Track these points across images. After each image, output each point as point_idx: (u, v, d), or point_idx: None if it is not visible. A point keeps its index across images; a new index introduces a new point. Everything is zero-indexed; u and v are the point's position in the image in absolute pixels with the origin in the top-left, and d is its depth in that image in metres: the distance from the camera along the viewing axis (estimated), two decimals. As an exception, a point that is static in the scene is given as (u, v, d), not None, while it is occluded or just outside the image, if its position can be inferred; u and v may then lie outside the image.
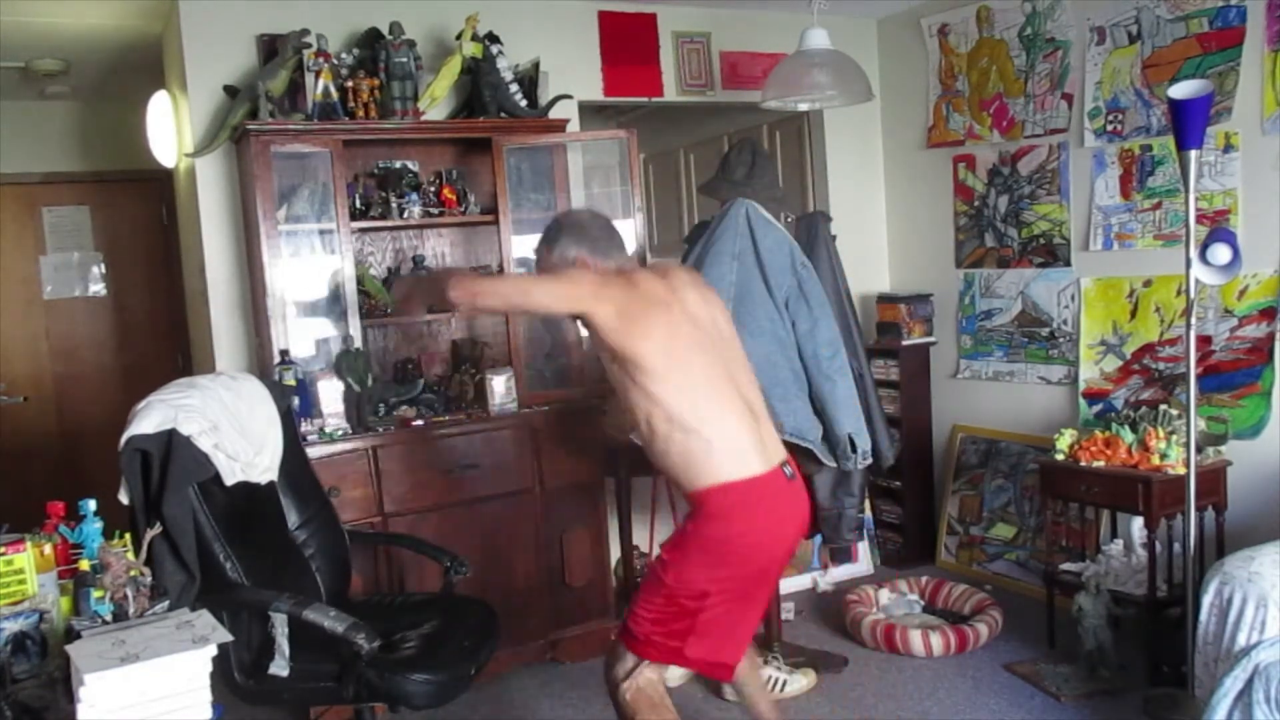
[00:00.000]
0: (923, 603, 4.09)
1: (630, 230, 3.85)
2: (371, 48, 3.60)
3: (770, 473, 2.35)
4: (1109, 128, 3.93)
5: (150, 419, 2.35)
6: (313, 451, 3.16)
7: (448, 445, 3.50)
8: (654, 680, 2.45)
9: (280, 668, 2.32)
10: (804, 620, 4.11)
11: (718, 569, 2.33)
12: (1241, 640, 2.62)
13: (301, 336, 3.54)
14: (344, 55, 3.58)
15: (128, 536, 2.05)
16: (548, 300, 2.47)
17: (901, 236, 4.96)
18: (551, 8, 4.14)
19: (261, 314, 3.43)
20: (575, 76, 4.13)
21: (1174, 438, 3.35)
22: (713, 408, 2.33)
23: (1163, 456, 3.32)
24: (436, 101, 3.68)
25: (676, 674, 3.54)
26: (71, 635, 1.75)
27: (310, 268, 3.55)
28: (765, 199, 3.47)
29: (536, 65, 3.87)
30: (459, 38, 3.62)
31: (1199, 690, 2.78)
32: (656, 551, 2.99)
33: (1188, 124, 2.88)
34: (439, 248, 3.98)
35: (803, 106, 4.24)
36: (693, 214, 5.73)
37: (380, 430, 3.41)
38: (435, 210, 3.70)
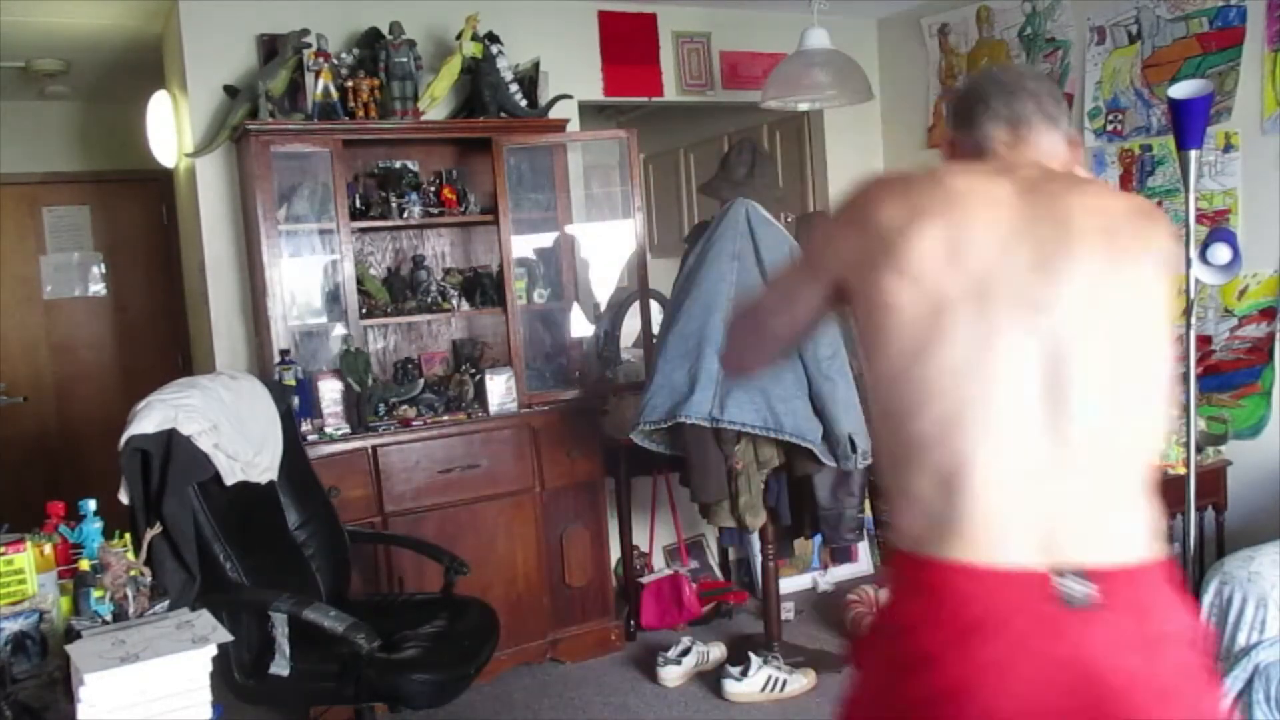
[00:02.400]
0: (923, 603, 4.08)
1: (630, 230, 3.85)
2: (371, 48, 3.60)
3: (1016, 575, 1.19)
4: (1109, 127, 3.93)
5: (150, 419, 2.35)
6: (313, 451, 3.16)
7: (448, 445, 3.50)
8: None
9: (280, 668, 2.32)
10: (804, 620, 4.11)
11: None
12: (1241, 640, 2.62)
13: (302, 336, 3.54)
14: (344, 55, 3.58)
15: (128, 536, 2.05)
16: None
17: (901, 236, 4.95)
18: (551, 8, 4.14)
19: (261, 314, 3.43)
20: (575, 76, 4.13)
21: (1174, 438, 3.35)
22: None
23: (1163, 456, 3.32)
24: (436, 101, 3.68)
25: (675, 674, 3.54)
26: (71, 635, 1.75)
27: (310, 268, 3.55)
28: (765, 199, 3.47)
29: (536, 65, 3.87)
30: (459, 38, 3.62)
31: (1199, 690, 2.78)
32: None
33: (1188, 124, 2.88)
34: (439, 248, 3.98)
35: (803, 106, 4.24)
36: (693, 214, 5.73)
37: (380, 430, 3.41)
38: (435, 210, 3.70)
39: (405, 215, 3.63)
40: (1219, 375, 3.59)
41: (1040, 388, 1.21)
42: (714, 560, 4.57)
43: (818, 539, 3.91)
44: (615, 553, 4.05)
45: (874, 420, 1.39)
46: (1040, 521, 1.18)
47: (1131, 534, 1.22)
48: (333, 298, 3.55)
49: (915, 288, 1.24)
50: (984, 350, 1.22)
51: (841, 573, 4.54)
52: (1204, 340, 3.59)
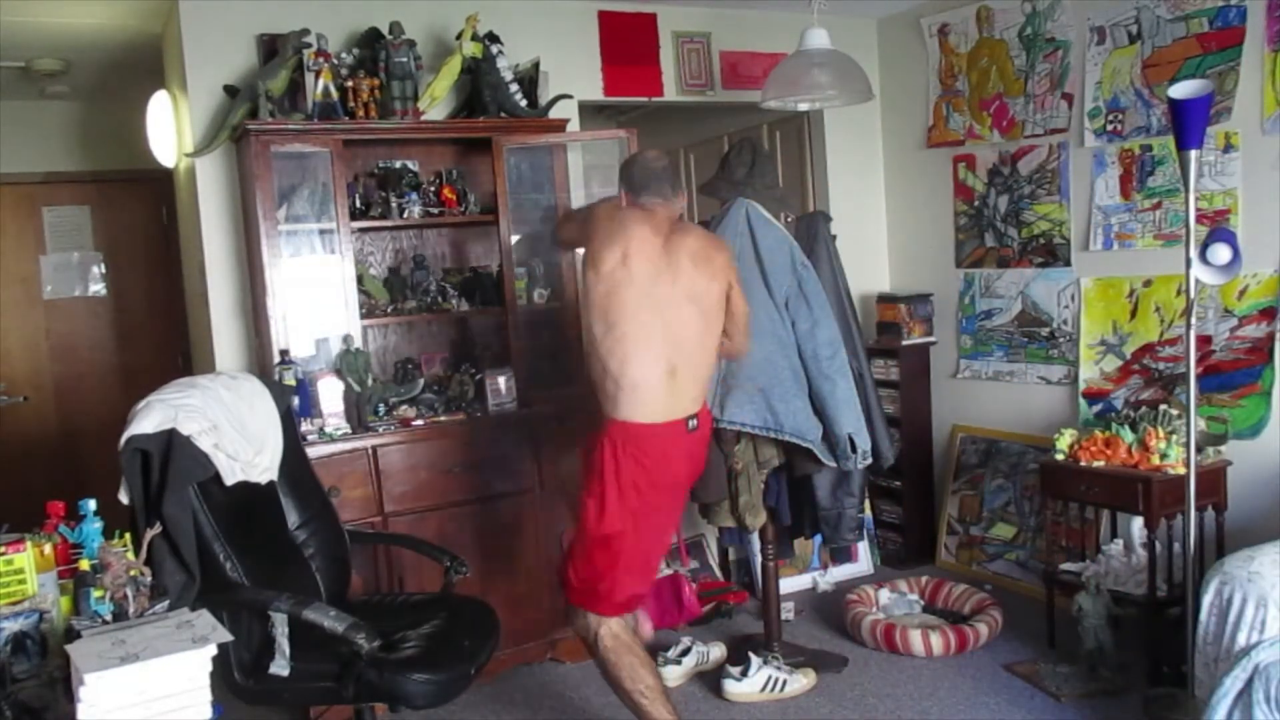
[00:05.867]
0: (923, 602, 4.09)
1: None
2: (371, 47, 3.60)
3: (668, 424, 2.74)
4: (1109, 128, 3.93)
5: (150, 419, 2.35)
6: (313, 451, 3.16)
7: (448, 445, 3.50)
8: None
9: (280, 667, 2.32)
10: (804, 620, 4.11)
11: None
12: (1241, 640, 2.62)
13: (301, 336, 3.54)
14: (344, 55, 3.58)
15: (128, 536, 2.05)
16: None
17: (901, 236, 4.96)
18: (551, 8, 4.14)
19: (261, 314, 3.43)
20: (575, 76, 4.14)
21: (1174, 438, 3.35)
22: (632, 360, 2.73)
23: (1163, 456, 3.32)
24: (436, 101, 3.68)
25: (675, 674, 3.54)
26: (71, 635, 1.75)
27: (310, 268, 3.55)
28: (765, 199, 3.47)
29: (536, 65, 3.87)
30: (459, 38, 3.63)
31: (1199, 690, 2.78)
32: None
33: (1188, 124, 2.88)
34: (439, 247, 3.98)
35: (803, 106, 4.24)
36: (693, 214, 5.72)
37: (380, 430, 3.41)
38: (435, 210, 3.70)
39: (405, 215, 3.63)
40: (1219, 375, 3.59)
41: (660, 335, 2.72)
42: (714, 560, 4.57)
43: (818, 539, 3.91)
44: (615, 553, 4.05)
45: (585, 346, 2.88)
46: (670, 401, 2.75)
47: (698, 400, 2.82)
48: (332, 298, 3.54)
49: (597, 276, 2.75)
50: (634, 314, 2.71)
51: (841, 573, 4.55)
52: (1204, 340, 3.59)
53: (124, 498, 2.35)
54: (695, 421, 2.79)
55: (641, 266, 2.72)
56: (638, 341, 2.70)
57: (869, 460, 3.37)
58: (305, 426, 3.28)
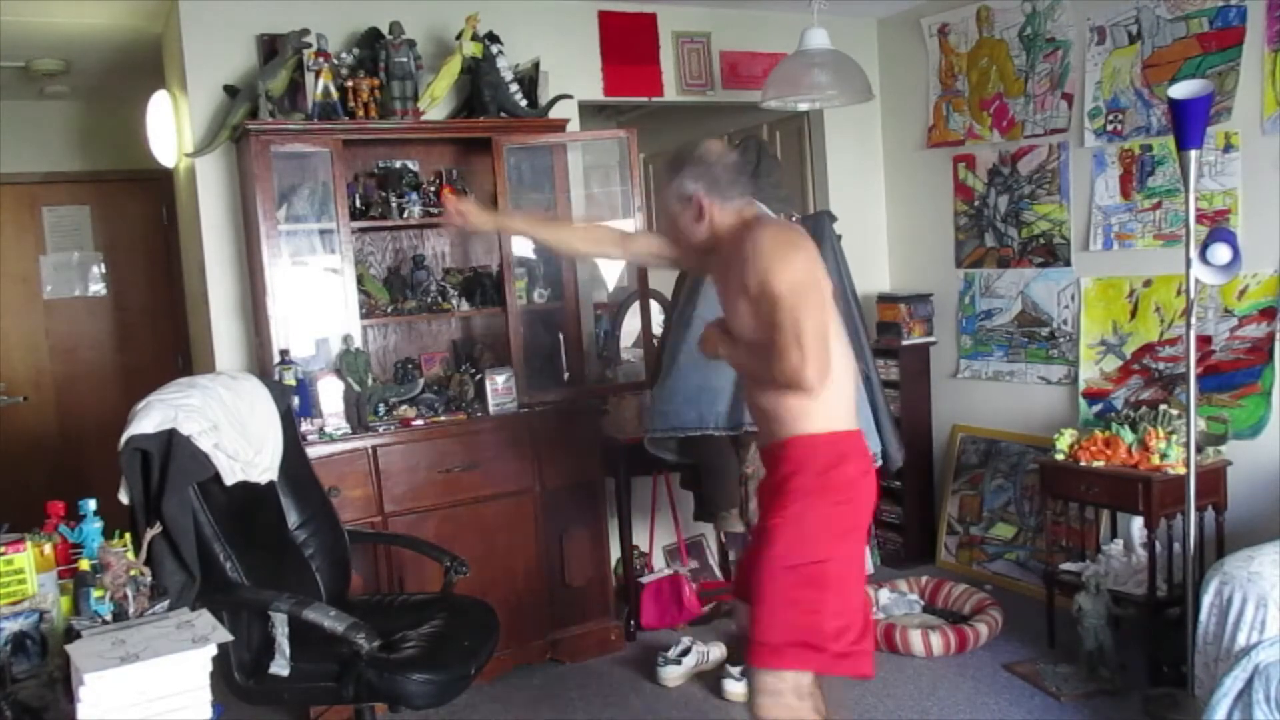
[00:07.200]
0: (923, 602, 4.09)
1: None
2: (371, 47, 3.60)
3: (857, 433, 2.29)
4: (1109, 128, 3.93)
5: (150, 419, 2.35)
6: (313, 451, 3.16)
7: (448, 445, 3.50)
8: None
9: (280, 667, 2.32)
10: (804, 620, 4.10)
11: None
12: (1241, 640, 2.62)
13: (301, 336, 3.54)
14: (344, 55, 3.58)
15: (128, 536, 2.05)
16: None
17: (901, 236, 4.96)
18: (551, 8, 4.14)
19: (261, 314, 3.43)
20: (575, 76, 4.13)
21: (1174, 438, 3.35)
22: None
23: (1163, 456, 3.32)
24: (436, 101, 3.68)
25: (675, 674, 3.54)
26: (71, 635, 1.75)
27: (310, 267, 3.55)
28: (771, 199, 3.46)
29: (536, 65, 3.87)
30: (459, 37, 3.62)
31: (1199, 690, 2.78)
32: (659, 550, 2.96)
33: (1188, 124, 2.88)
34: (439, 247, 3.98)
35: (803, 106, 4.24)
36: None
37: (380, 430, 3.41)
38: (435, 210, 3.70)
39: (405, 215, 3.63)
40: (1219, 375, 3.59)
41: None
42: (714, 560, 4.57)
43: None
44: (615, 553, 4.05)
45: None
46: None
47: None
48: (332, 298, 3.54)
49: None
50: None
51: (841, 573, 4.53)
52: (1204, 340, 3.59)
53: (124, 498, 2.36)
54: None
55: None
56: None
57: (878, 463, 3.37)
58: (305, 426, 3.28)
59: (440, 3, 3.83)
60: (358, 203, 3.60)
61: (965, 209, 4.57)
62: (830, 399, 2.17)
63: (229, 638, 1.72)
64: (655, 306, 3.89)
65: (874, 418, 3.37)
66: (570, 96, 3.98)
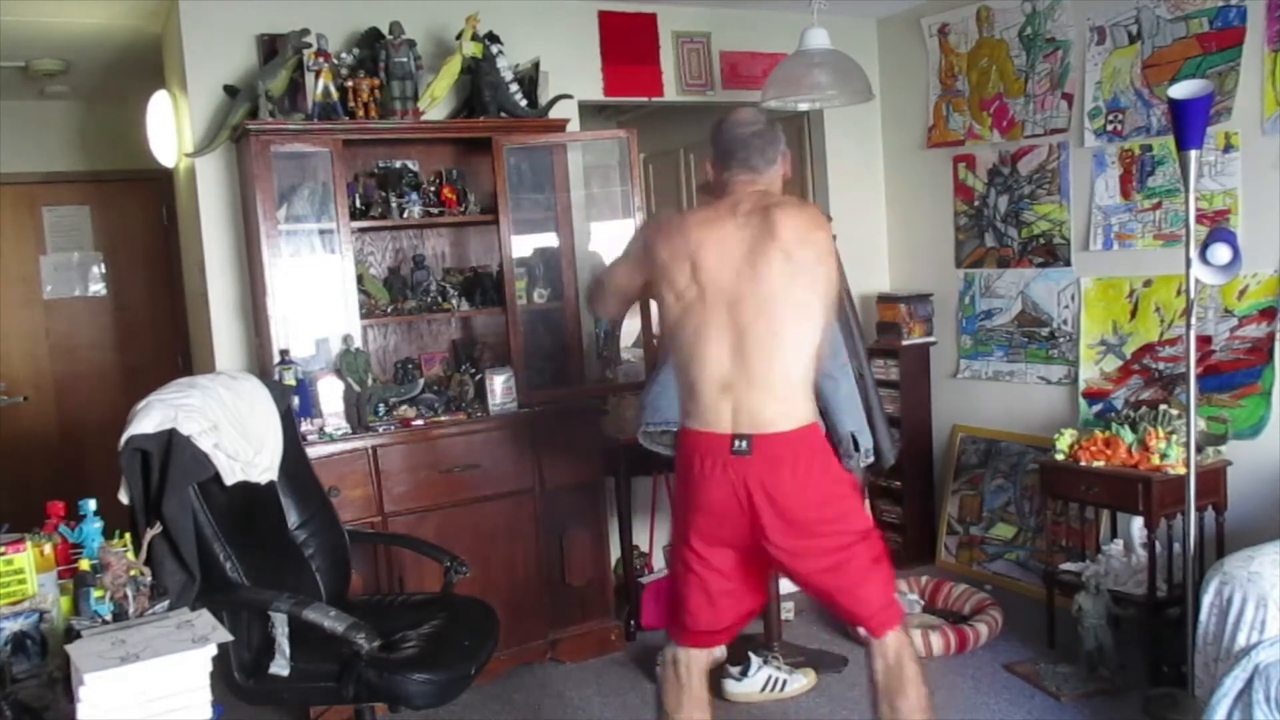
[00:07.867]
0: (923, 602, 4.09)
1: (630, 230, 3.84)
2: (371, 47, 3.60)
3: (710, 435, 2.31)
4: (1109, 128, 3.93)
5: (150, 419, 2.35)
6: (313, 451, 3.15)
7: (448, 445, 3.50)
8: None
9: (280, 667, 2.32)
10: (804, 620, 4.11)
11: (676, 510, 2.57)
12: (1241, 640, 2.62)
13: (301, 336, 3.54)
14: (344, 55, 3.58)
15: (128, 536, 2.05)
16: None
17: (901, 236, 4.96)
18: (551, 8, 4.14)
19: (261, 314, 3.43)
20: (575, 76, 4.13)
21: (1174, 438, 3.35)
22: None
23: (1163, 456, 3.32)
24: (436, 101, 3.68)
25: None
26: (71, 635, 1.75)
27: (310, 268, 3.55)
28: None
29: (536, 65, 3.87)
30: (459, 37, 3.62)
31: (1199, 690, 2.78)
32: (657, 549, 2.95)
33: (1188, 124, 2.88)
34: (439, 247, 3.98)
35: (803, 106, 4.24)
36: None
37: (380, 430, 3.41)
38: (435, 210, 3.70)
39: (405, 215, 3.63)
40: (1219, 375, 3.59)
41: (729, 345, 2.29)
42: (714, 560, 4.56)
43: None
44: (615, 553, 4.05)
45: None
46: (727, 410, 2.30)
47: (772, 417, 2.27)
48: (333, 298, 3.54)
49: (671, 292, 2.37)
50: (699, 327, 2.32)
51: (841, 573, 4.53)
52: (1204, 340, 3.59)
53: (124, 498, 2.35)
54: (745, 443, 2.27)
55: (722, 273, 2.30)
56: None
57: (871, 459, 3.37)
58: (305, 426, 3.28)
59: (440, 3, 3.83)
60: (358, 203, 3.60)
61: (965, 209, 4.57)
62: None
63: (229, 638, 1.72)
64: (655, 306, 3.88)
65: (867, 415, 3.37)
66: (570, 96, 3.98)
